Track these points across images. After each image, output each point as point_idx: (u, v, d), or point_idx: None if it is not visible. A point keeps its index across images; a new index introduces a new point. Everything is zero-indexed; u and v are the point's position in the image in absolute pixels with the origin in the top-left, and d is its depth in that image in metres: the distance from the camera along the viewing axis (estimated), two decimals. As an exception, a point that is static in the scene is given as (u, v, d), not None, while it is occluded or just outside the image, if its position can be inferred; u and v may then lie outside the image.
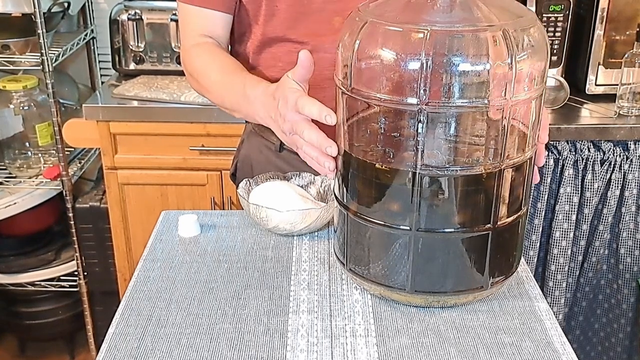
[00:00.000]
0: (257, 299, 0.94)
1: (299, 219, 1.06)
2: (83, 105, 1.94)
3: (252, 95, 1.06)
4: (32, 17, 1.87)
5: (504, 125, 0.82)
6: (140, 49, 2.08)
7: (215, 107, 1.88)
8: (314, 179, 1.17)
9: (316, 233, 1.11)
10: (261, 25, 1.16)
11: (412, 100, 0.79)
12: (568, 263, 1.82)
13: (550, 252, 1.81)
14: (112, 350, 0.85)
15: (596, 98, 1.85)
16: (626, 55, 1.74)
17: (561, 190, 1.73)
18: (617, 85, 1.78)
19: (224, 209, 2.00)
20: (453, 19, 0.81)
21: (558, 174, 1.74)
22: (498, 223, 0.87)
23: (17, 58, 2.01)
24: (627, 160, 1.72)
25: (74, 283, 2.20)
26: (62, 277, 2.22)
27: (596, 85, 1.85)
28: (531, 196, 1.67)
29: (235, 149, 1.39)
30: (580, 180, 1.73)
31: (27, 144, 2.11)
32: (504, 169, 0.84)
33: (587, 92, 1.86)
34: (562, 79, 1.80)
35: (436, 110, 0.80)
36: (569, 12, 1.79)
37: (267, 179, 1.16)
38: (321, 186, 1.17)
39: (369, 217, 0.88)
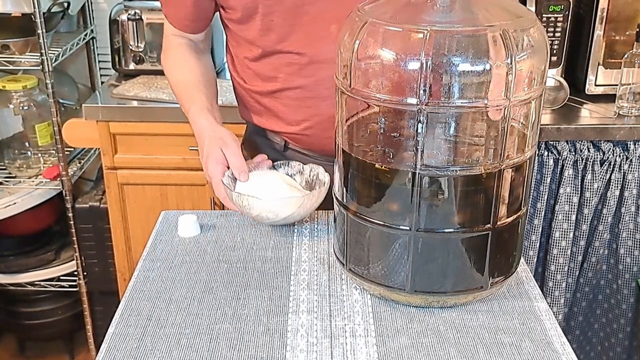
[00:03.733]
0: (256, 299, 0.94)
1: (280, 207, 1.05)
2: (83, 105, 1.94)
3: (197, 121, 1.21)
4: (32, 17, 1.87)
5: (504, 126, 0.82)
6: (140, 49, 2.08)
7: (215, 107, 1.90)
8: (302, 167, 1.16)
9: (316, 233, 1.11)
10: (258, 40, 1.16)
11: (412, 100, 0.79)
12: (568, 263, 1.82)
13: (550, 252, 1.80)
14: (111, 350, 0.85)
15: (596, 98, 1.85)
16: (626, 56, 1.74)
17: (561, 191, 1.73)
18: (617, 85, 1.77)
19: (223, 209, 1.99)
20: (453, 19, 0.81)
21: (558, 174, 1.73)
22: (498, 223, 0.87)
23: (17, 58, 2.00)
24: (626, 160, 1.72)
25: (74, 283, 2.20)
26: (61, 277, 2.22)
27: (596, 85, 1.85)
28: (531, 196, 1.67)
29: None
30: (580, 181, 1.73)
31: (26, 144, 2.11)
32: (503, 169, 0.84)
33: (586, 92, 1.86)
34: (561, 79, 1.80)
35: (436, 111, 0.80)
36: (568, 12, 1.79)
37: (255, 167, 1.16)
38: (309, 175, 1.16)
39: (368, 217, 0.88)
